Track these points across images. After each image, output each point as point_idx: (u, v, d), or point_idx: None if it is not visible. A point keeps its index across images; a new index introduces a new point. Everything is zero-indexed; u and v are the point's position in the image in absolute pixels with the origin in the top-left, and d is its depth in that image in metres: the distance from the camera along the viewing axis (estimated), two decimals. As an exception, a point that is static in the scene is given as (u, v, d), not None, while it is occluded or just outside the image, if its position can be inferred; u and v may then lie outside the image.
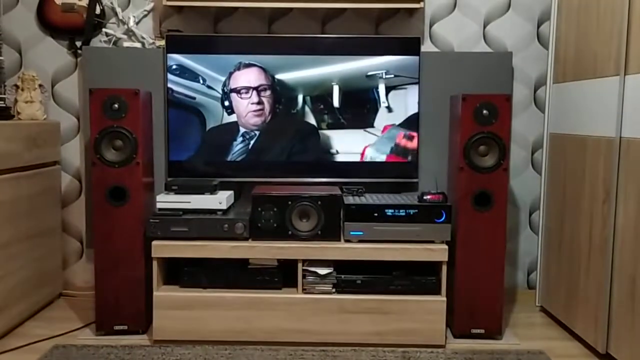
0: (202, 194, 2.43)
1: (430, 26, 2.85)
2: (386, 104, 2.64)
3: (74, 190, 2.93)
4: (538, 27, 2.85)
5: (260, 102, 2.62)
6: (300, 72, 2.63)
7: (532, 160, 2.93)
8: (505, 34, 2.85)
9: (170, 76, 2.62)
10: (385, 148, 2.66)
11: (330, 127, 2.66)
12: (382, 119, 2.65)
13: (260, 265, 2.41)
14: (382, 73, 2.63)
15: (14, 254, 2.43)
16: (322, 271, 2.35)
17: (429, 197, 2.39)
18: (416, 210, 2.35)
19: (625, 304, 2.09)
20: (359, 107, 2.65)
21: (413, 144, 2.65)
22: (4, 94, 2.62)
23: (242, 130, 2.64)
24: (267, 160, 2.67)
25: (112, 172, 2.33)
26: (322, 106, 2.65)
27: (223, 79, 2.62)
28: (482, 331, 2.40)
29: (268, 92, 2.62)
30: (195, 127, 2.65)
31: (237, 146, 2.65)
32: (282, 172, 2.68)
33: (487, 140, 2.34)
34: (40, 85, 2.73)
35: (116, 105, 2.31)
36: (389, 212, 2.35)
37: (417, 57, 2.63)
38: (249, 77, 2.62)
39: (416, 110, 2.65)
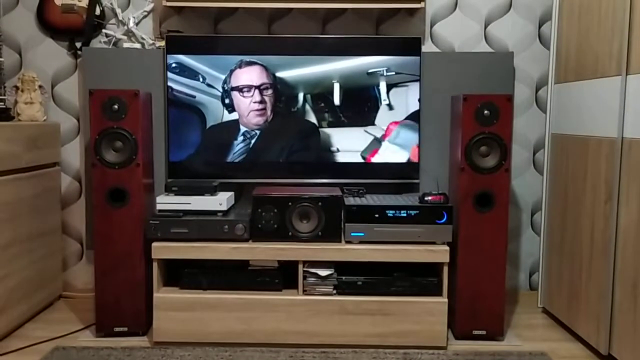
0: (202, 195, 2.42)
1: (431, 26, 2.84)
2: (390, 105, 2.63)
3: (74, 192, 2.92)
4: (539, 27, 2.85)
5: (262, 101, 2.61)
6: (300, 71, 2.62)
7: (534, 161, 2.92)
8: (506, 34, 2.84)
9: (170, 74, 2.61)
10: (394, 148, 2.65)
11: (331, 125, 2.65)
12: (383, 117, 2.64)
13: (260, 266, 2.40)
14: (383, 70, 2.62)
15: (14, 256, 2.43)
16: (323, 272, 2.34)
17: (430, 198, 2.38)
18: (417, 211, 2.34)
19: (627, 305, 2.08)
20: (359, 105, 2.64)
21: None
22: (4, 95, 2.62)
23: (242, 129, 2.63)
24: (267, 161, 2.66)
25: (112, 173, 2.33)
26: (322, 105, 2.64)
27: (223, 77, 2.62)
28: (484, 332, 2.39)
29: (270, 91, 2.61)
30: (196, 125, 2.64)
31: (238, 145, 2.64)
32: (282, 172, 2.67)
33: (488, 141, 2.33)
34: (40, 87, 2.73)
35: (116, 106, 2.31)
36: (390, 213, 2.34)
37: (417, 58, 2.62)
38: (250, 76, 2.61)
39: (417, 109, 2.64)
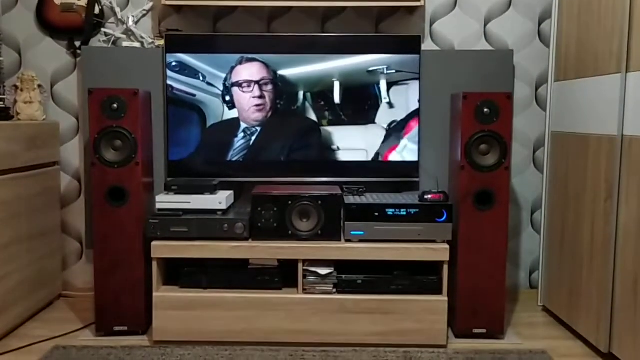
0: (202, 194, 2.42)
1: (431, 24, 2.84)
2: (389, 103, 2.63)
3: (74, 191, 2.92)
4: (539, 25, 2.84)
5: (262, 96, 2.61)
6: (300, 69, 2.62)
7: (534, 159, 2.91)
8: (506, 32, 2.84)
9: (169, 73, 2.61)
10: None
11: (331, 123, 2.65)
12: (384, 115, 2.63)
13: (260, 265, 2.40)
14: (383, 69, 2.62)
15: (14, 255, 2.43)
16: (323, 271, 2.34)
17: (430, 196, 2.38)
18: (417, 210, 2.33)
19: (627, 303, 2.08)
20: (360, 103, 2.64)
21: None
22: (4, 94, 2.62)
23: (243, 125, 2.63)
24: (267, 160, 2.66)
25: (111, 172, 2.32)
26: (322, 102, 2.64)
27: (223, 75, 2.61)
28: (484, 331, 2.39)
29: (269, 87, 2.61)
30: (196, 124, 2.64)
31: (238, 142, 2.64)
32: (282, 171, 2.67)
33: (488, 139, 2.33)
34: (39, 86, 2.73)
35: (115, 105, 2.30)
36: (390, 211, 2.33)
37: (417, 56, 2.62)
38: (251, 71, 2.61)
39: (417, 107, 2.64)
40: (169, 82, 2.61)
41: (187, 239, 2.34)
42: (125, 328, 2.39)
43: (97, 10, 2.77)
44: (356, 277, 2.34)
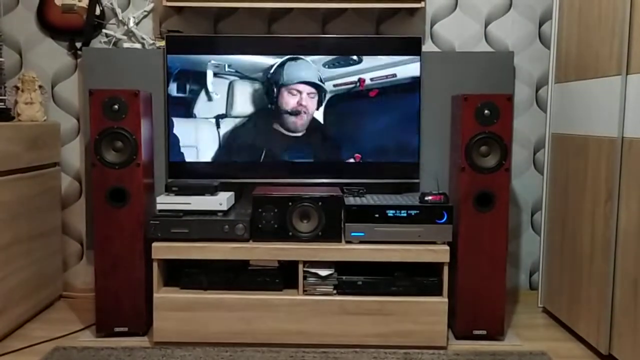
0: (203, 195, 2.42)
1: (432, 26, 2.84)
2: (390, 104, 2.63)
3: (74, 192, 2.92)
4: (540, 26, 2.84)
5: (305, 104, 2.61)
6: (303, 73, 2.62)
7: (534, 161, 2.91)
8: (506, 33, 2.84)
9: (171, 84, 2.61)
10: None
11: (335, 127, 2.65)
12: (387, 119, 2.64)
13: (260, 266, 2.40)
14: (386, 72, 2.62)
15: (14, 256, 2.43)
16: (323, 272, 2.34)
17: (430, 197, 2.38)
18: (417, 211, 2.34)
19: (627, 304, 2.08)
20: (363, 107, 2.64)
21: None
22: (4, 95, 2.62)
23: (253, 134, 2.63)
24: (267, 161, 2.66)
25: (112, 173, 2.33)
26: (323, 104, 2.64)
27: (225, 82, 2.61)
28: (484, 332, 2.39)
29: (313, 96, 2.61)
30: (198, 130, 2.64)
31: (250, 151, 2.64)
32: (282, 172, 2.67)
33: (488, 141, 2.33)
34: (40, 87, 2.73)
35: (116, 106, 2.30)
36: (390, 213, 2.34)
37: (418, 57, 2.62)
38: (300, 74, 2.60)
39: (418, 110, 2.64)
40: (169, 87, 2.61)
41: (187, 240, 2.34)
42: (126, 329, 2.39)
43: (97, 11, 2.77)
44: (356, 278, 2.34)
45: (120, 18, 2.82)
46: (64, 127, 2.88)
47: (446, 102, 2.67)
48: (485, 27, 2.84)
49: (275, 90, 2.63)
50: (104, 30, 2.81)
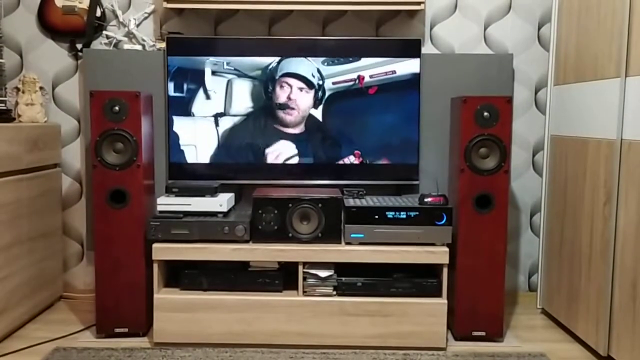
0: (203, 196, 2.42)
1: (431, 28, 2.85)
2: (390, 106, 2.64)
3: (75, 193, 2.93)
4: (539, 28, 2.85)
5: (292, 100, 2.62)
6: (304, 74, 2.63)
7: (533, 162, 2.92)
8: (506, 35, 2.85)
9: (171, 86, 2.62)
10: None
11: (334, 129, 2.66)
12: (387, 120, 2.64)
13: (260, 267, 2.41)
14: (385, 74, 2.63)
15: (15, 257, 2.43)
16: (323, 274, 2.34)
17: (429, 199, 2.39)
18: (417, 213, 2.34)
19: (626, 305, 2.09)
20: (362, 108, 2.65)
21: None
22: (5, 96, 2.62)
23: (252, 134, 2.64)
24: (268, 162, 2.67)
25: (112, 174, 2.33)
26: (324, 105, 2.65)
27: (225, 79, 2.62)
28: (483, 333, 2.39)
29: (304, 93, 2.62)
30: (198, 131, 2.65)
31: (250, 152, 2.65)
32: (282, 174, 2.68)
33: (488, 143, 2.34)
34: (41, 88, 2.74)
35: (117, 108, 2.31)
36: (390, 214, 2.34)
37: (417, 59, 2.63)
38: (291, 68, 2.61)
39: (417, 112, 2.65)
40: (169, 89, 2.62)
41: (187, 241, 2.34)
42: (126, 330, 2.39)
43: (98, 12, 2.78)
44: (356, 279, 2.35)
45: (121, 20, 2.83)
46: (64, 128, 2.89)
47: (445, 104, 2.68)
48: (485, 29, 2.85)
49: (270, 87, 2.64)
50: (104, 32, 2.82)
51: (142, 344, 2.37)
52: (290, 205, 2.34)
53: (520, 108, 2.89)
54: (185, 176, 2.67)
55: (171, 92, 2.64)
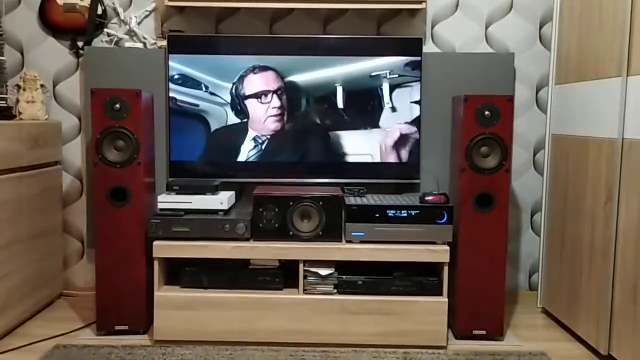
0: (204, 194, 2.42)
1: (432, 27, 2.85)
2: (390, 105, 2.64)
3: (75, 190, 2.93)
4: (540, 28, 2.85)
5: (280, 106, 2.61)
6: (303, 73, 2.63)
7: (534, 162, 2.92)
8: (507, 35, 2.85)
9: (172, 85, 2.62)
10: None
11: (336, 128, 2.66)
12: (387, 119, 2.64)
13: (261, 265, 2.41)
14: (386, 73, 2.63)
15: (15, 254, 2.43)
16: (324, 272, 2.34)
17: (430, 198, 2.39)
18: (418, 211, 2.34)
19: (627, 305, 2.09)
20: (363, 107, 2.65)
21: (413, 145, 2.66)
22: (6, 93, 2.62)
23: (252, 133, 2.63)
24: (268, 161, 2.67)
25: (113, 172, 2.33)
26: (326, 106, 2.65)
27: (226, 84, 2.62)
28: (484, 332, 2.40)
29: (284, 95, 2.62)
30: (198, 129, 2.65)
31: (248, 150, 2.64)
32: (283, 172, 2.68)
33: (489, 141, 2.34)
34: (42, 85, 2.74)
35: (118, 106, 2.31)
36: (391, 212, 2.34)
37: (419, 58, 2.63)
38: (267, 80, 2.60)
39: (418, 111, 2.65)
40: (171, 95, 2.62)
41: (188, 239, 2.34)
42: (126, 327, 2.39)
43: (99, 10, 2.77)
44: (356, 277, 2.35)
45: (122, 17, 2.83)
46: (65, 126, 2.89)
47: (447, 102, 2.68)
48: (486, 28, 2.85)
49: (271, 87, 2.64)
50: (105, 30, 2.82)
51: (143, 342, 2.37)
52: (291, 203, 2.34)
53: (522, 107, 2.89)
54: (186, 174, 2.67)
55: (172, 90, 2.63)
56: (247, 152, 2.66)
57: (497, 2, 2.83)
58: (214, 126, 2.65)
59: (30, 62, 2.86)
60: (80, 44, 2.83)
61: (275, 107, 2.64)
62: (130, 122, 2.32)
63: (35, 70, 2.78)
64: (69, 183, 2.92)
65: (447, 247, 2.32)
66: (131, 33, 2.82)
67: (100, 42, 2.83)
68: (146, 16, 2.84)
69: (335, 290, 2.35)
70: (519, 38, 2.85)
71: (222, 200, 2.41)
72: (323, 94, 2.64)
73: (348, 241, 2.36)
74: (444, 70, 2.69)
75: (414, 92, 2.64)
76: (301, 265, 2.33)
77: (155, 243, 2.34)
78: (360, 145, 2.66)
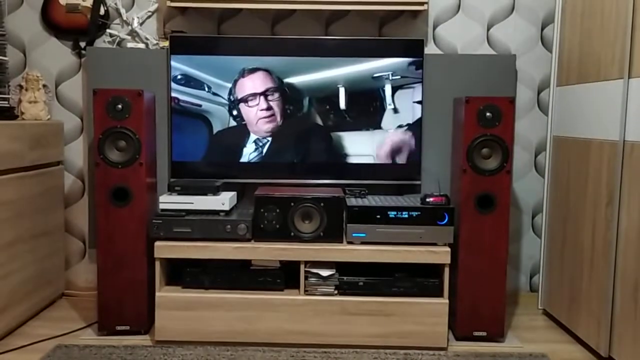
0: (205, 194, 2.43)
1: (434, 28, 2.85)
2: (392, 106, 2.64)
3: (77, 191, 2.93)
4: (542, 29, 2.85)
5: (269, 108, 2.62)
6: (305, 74, 2.63)
7: (535, 163, 2.92)
8: (509, 36, 2.85)
9: (174, 85, 2.62)
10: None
11: (337, 129, 2.66)
12: (389, 120, 2.65)
13: (262, 266, 2.41)
14: (388, 74, 2.63)
15: (17, 254, 2.44)
16: (325, 273, 2.35)
17: (431, 199, 2.39)
18: (419, 213, 2.34)
19: (628, 307, 2.09)
20: (365, 108, 2.65)
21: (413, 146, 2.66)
22: (8, 94, 2.63)
23: (253, 137, 2.64)
24: (270, 162, 2.67)
25: (115, 172, 2.34)
26: (328, 107, 2.65)
27: (228, 85, 2.62)
28: (485, 334, 2.40)
29: (276, 96, 2.62)
30: (201, 130, 2.65)
31: (249, 153, 2.65)
32: (284, 173, 2.68)
33: (490, 143, 2.34)
34: (44, 86, 2.74)
35: (120, 106, 2.32)
36: (392, 214, 2.34)
37: (420, 59, 2.63)
38: (254, 83, 2.61)
39: (419, 112, 2.65)
40: (173, 95, 2.62)
41: (189, 239, 2.35)
42: (128, 327, 2.40)
43: (102, 11, 2.78)
44: (357, 278, 2.35)
45: (125, 18, 2.83)
46: (67, 126, 2.89)
47: (448, 104, 2.68)
48: (488, 30, 2.85)
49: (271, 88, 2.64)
50: (108, 30, 2.82)
51: (144, 342, 2.37)
52: (292, 204, 2.34)
53: (523, 109, 2.89)
54: (188, 174, 2.67)
55: (174, 90, 2.64)
56: (248, 153, 2.67)
57: (499, 4, 2.84)
58: (216, 127, 2.65)
59: (32, 62, 2.87)
60: (82, 44, 2.84)
61: (277, 108, 2.64)
62: (132, 123, 2.32)
63: (37, 70, 2.78)
64: (70, 183, 2.92)
65: (448, 249, 2.33)
66: (133, 34, 2.83)
67: (102, 42, 2.84)
68: (148, 17, 2.84)
69: (336, 291, 2.35)
70: (520, 40, 2.85)
71: (224, 200, 2.41)
72: (324, 95, 2.65)
73: (349, 242, 2.36)
74: (446, 72, 2.70)
75: (415, 93, 2.64)
76: (302, 266, 2.34)
77: (157, 243, 2.34)
78: (361, 147, 2.67)
